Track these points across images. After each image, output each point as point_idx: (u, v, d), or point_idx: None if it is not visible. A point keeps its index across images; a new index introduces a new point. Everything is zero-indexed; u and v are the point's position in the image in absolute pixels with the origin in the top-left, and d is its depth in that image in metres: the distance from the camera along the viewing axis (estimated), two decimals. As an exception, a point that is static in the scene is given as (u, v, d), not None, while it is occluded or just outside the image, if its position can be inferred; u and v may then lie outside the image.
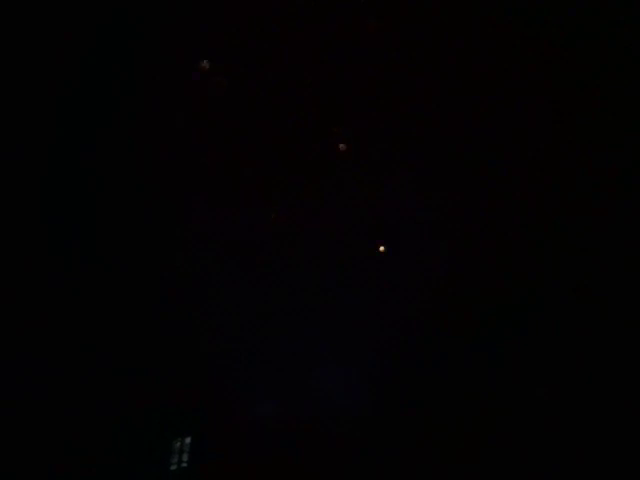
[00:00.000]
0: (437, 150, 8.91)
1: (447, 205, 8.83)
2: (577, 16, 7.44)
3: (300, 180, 9.10)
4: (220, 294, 12.38)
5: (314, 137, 8.80)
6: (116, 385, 12.83)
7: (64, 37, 8.19)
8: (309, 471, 13.21)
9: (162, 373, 13.76)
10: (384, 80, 8.47)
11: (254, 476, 13.29)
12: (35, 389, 10.05)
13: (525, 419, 9.51)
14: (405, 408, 10.85)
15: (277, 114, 8.94)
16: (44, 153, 7.65)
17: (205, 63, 8.72)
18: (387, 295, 10.30)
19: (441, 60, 8.18)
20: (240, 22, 8.25)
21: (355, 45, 8.30)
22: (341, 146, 8.79)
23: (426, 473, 10.47)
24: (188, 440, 14.12)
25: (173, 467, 13.86)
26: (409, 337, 10.30)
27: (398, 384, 11.09)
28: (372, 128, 8.67)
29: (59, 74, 8.05)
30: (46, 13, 7.99)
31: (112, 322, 10.59)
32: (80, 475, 12.43)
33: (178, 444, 13.77)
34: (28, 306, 8.02)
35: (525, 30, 7.63)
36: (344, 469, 12.77)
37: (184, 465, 13.73)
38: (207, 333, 13.46)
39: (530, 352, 9.32)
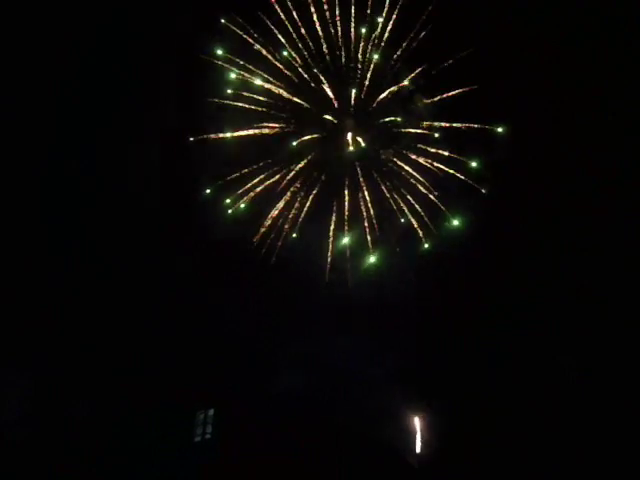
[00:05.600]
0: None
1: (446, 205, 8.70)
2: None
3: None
4: (237, 285, 12.48)
5: None
6: (141, 360, 13.23)
7: (64, 37, 8.32)
8: (330, 444, 13.42)
9: (186, 347, 14.09)
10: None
11: (277, 447, 13.57)
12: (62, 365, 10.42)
13: (525, 419, 9.44)
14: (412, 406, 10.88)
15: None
16: (44, 153, 7.86)
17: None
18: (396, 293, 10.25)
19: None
20: None
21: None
22: None
23: (431, 471, 10.51)
24: (211, 412, 14.43)
25: (197, 439, 14.20)
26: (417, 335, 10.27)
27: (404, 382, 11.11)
28: None
29: (59, 74, 8.20)
30: (46, 13, 8.13)
31: (130, 310, 10.83)
32: (107, 445, 12.97)
33: (202, 416, 14.11)
34: (28, 306, 8.27)
35: (525, 30, 7.37)
36: (357, 441, 12.89)
37: (208, 437, 14.05)
38: (232, 313, 13.69)
39: (530, 351, 9.21)
